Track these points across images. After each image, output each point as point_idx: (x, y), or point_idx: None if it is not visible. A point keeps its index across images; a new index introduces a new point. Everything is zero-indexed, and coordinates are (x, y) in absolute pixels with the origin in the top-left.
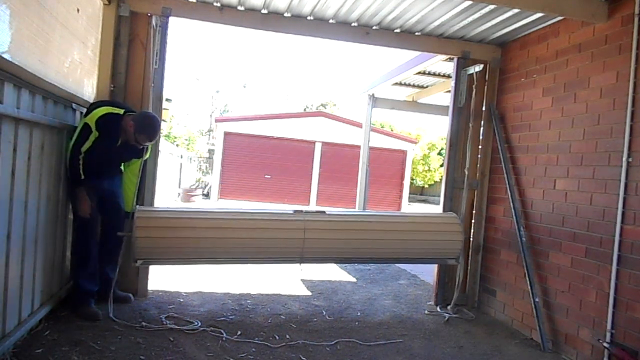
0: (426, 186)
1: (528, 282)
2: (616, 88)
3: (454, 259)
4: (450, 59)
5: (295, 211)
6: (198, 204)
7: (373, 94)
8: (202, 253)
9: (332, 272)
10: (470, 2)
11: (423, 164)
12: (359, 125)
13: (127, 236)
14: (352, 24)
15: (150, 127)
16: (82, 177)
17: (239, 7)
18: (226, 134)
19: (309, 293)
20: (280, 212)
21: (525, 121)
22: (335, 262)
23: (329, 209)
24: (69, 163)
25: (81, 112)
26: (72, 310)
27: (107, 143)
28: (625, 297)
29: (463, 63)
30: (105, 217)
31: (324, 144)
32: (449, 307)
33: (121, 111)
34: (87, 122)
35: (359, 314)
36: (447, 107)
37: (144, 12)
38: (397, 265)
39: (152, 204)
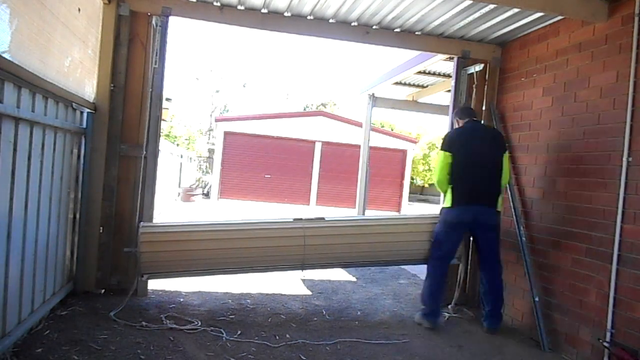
0: (426, 186)
1: (528, 282)
2: (616, 87)
3: (455, 258)
4: (451, 59)
5: (295, 219)
6: (198, 203)
7: (373, 94)
8: (206, 265)
9: (332, 272)
10: (471, 2)
11: (423, 164)
12: (359, 125)
13: (133, 251)
14: (352, 24)
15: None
16: None
17: (239, 7)
18: (226, 133)
19: (309, 292)
20: (280, 220)
21: (525, 120)
22: (338, 267)
23: (328, 214)
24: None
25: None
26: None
27: None
28: (625, 297)
29: (463, 62)
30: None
31: (324, 143)
32: (449, 307)
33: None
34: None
35: (359, 313)
36: (447, 106)
37: (144, 11)
38: None
39: (152, 204)
